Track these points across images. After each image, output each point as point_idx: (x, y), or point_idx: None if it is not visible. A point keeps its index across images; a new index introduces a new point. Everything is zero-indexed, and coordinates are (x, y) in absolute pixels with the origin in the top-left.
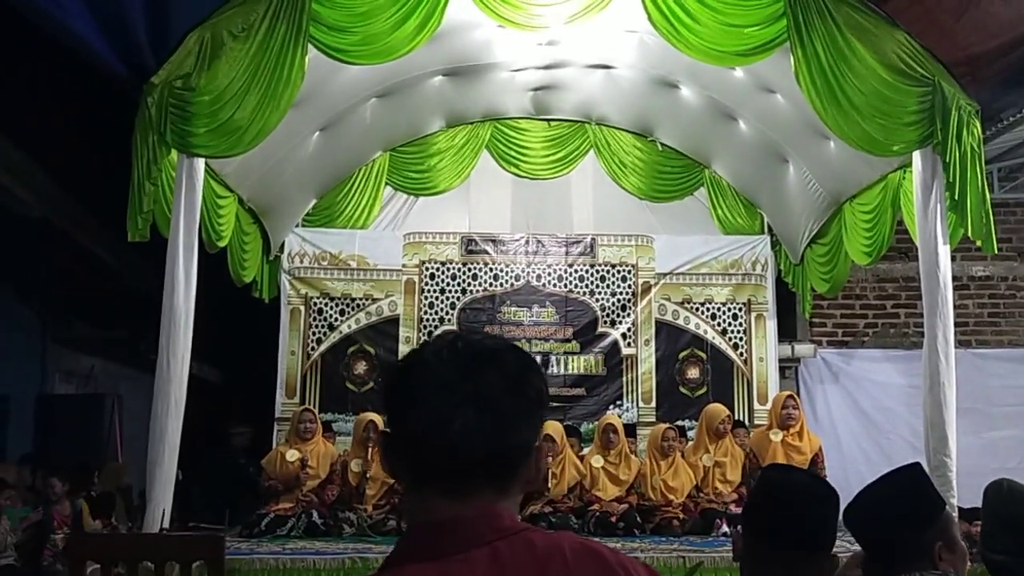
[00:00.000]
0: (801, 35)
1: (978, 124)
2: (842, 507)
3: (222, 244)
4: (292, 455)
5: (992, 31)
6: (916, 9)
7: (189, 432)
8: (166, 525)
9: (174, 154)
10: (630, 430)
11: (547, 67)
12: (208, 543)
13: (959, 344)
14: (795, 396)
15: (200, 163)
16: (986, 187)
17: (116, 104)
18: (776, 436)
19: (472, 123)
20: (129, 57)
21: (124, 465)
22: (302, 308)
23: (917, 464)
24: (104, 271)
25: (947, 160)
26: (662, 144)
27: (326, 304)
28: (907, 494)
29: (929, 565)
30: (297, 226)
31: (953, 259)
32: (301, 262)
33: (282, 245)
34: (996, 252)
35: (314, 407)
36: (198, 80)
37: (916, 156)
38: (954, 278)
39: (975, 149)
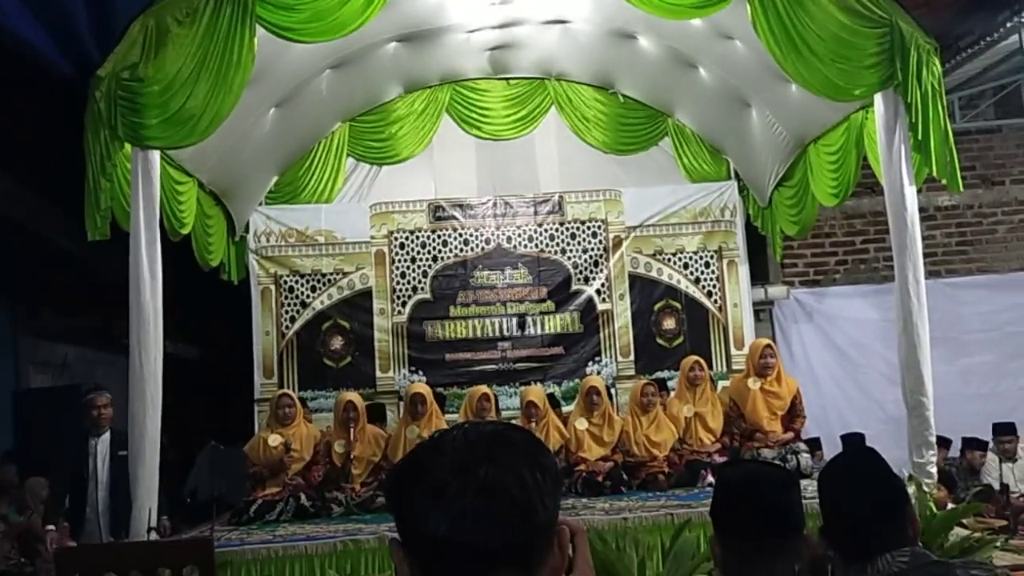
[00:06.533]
0: None
1: (937, 62)
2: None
3: (185, 231)
4: (274, 440)
5: None
6: None
7: (169, 411)
8: (153, 524)
9: (128, 147)
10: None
11: (502, 26)
12: (197, 546)
13: (929, 275)
14: (772, 344)
15: (156, 154)
16: (949, 126)
17: (68, 99)
18: (754, 384)
19: (430, 87)
20: (73, 52)
21: None
22: (272, 287)
23: (871, 451)
24: (69, 260)
25: (908, 101)
26: (623, 96)
27: (297, 281)
28: (879, 489)
29: (906, 541)
30: (261, 204)
31: (919, 190)
32: (268, 241)
33: (247, 225)
34: (961, 191)
35: (293, 386)
36: (146, 70)
37: (878, 98)
38: (920, 209)
39: (935, 88)
